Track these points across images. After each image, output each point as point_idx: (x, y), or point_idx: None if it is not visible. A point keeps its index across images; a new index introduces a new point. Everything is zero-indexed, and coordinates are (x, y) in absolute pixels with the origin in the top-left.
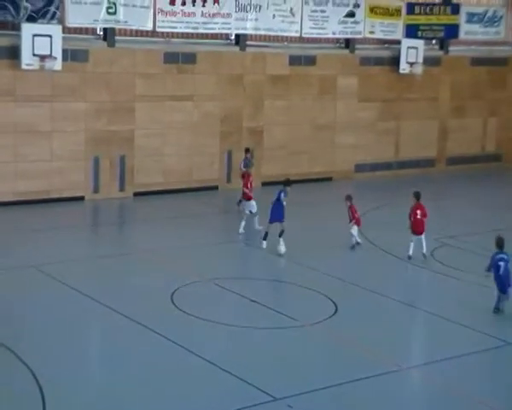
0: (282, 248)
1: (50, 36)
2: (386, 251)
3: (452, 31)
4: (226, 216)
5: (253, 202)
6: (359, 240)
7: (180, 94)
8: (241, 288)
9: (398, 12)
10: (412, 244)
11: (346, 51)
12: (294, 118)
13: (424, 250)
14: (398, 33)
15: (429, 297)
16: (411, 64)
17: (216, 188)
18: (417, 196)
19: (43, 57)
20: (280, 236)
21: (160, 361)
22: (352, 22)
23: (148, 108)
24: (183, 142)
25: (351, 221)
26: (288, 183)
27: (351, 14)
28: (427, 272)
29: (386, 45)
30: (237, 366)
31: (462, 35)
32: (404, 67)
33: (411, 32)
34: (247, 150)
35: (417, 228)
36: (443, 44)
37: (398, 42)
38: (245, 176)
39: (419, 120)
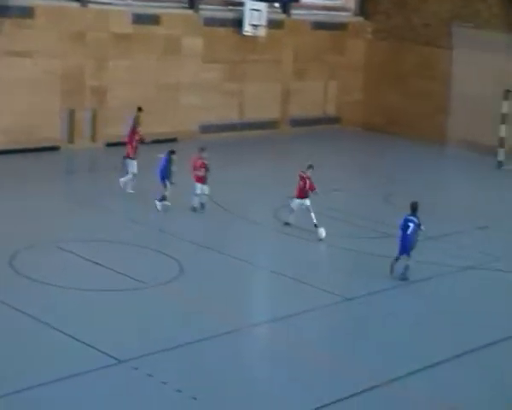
0: (159, 206)
1: None
2: (230, 211)
3: None
4: (68, 177)
5: (134, 162)
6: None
7: (17, 50)
8: (84, 250)
9: None
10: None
11: (191, 11)
12: (138, 77)
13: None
14: None
15: (274, 256)
16: (255, 26)
17: (57, 148)
18: (310, 166)
19: None
20: (160, 200)
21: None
22: None
23: None
24: (21, 100)
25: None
26: (173, 152)
27: None
28: (273, 232)
29: (229, 7)
30: (80, 329)
31: None
32: (247, 29)
33: None
34: (139, 109)
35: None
36: (285, 8)
37: (242, 4)
38: (131, 134)
39: (263, 82)
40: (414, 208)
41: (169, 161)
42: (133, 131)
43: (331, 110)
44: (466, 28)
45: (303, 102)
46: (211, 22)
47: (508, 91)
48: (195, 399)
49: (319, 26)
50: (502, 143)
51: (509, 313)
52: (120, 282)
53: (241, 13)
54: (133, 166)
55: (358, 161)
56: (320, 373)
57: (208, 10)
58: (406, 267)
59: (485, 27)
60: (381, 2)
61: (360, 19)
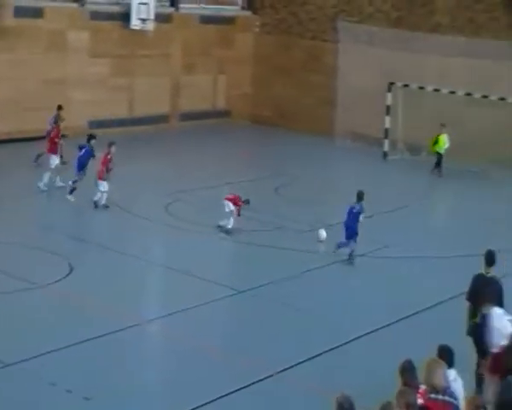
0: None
1: None
2: (122, 208)
3: None
4: None
5: (55, 157)
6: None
7: None
8: None
9: None
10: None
11: (75, 5)
12: (22, 73)
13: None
14: None
15: (166, 252)
16: (143, 20)
17: None
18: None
19: None
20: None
21: None
22: None
23: None
24: None
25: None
26: (92, 137)
27: None
28: (165, 227)
29: (117, 0)
30: None
31: None
32: (135, 23)
33: None
34: (59, 107)
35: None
36: (173, 2)
37: None
38: (52, 131)
39: (152, 77)
40: (360, 197)
41: (90, 152)
42: (55, 128)
43: (221, 104)
44: (350, 23)
45: (193, 97)
46: (97, 16)
47: (391, 84)
48: (88, 399)
49: (207, 20)
50: (387, 134)
51: (391, 302)
52: (9, 284)
53: (129, 7)
54: (54, 160)
55: (248, 154)
56: (213, 366)
57: (94, 4)
58: (351, 252)
59: (368, 22)
60: None
61: (248, 13)
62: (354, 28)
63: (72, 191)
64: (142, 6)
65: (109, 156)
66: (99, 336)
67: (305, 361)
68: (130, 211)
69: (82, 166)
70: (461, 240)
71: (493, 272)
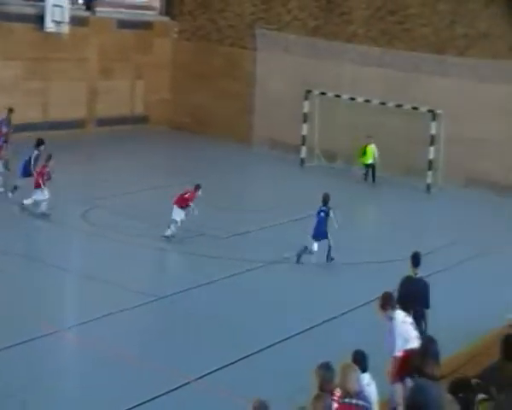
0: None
1: None
2: (37, 215)
3: None
4: None
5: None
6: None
7: None
8: None
9: None
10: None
11: None
12: None
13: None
14: None
15: (83, 259)
16: (57, 23)
17: None
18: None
19: None
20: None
21: None
22: None
23: None
24: None
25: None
26: (41, 142)
27: None
28: (82, 234)
29: (30, 2)
30: None
31: None
32: (49, 26)
33: None
34: (10, 110)
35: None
36: (89, 5)
37: None
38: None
39: (67, 81)
40: (325, 200)
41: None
42: (4, 132)
43: (139, 110)
44: (268, 30)
45: (110, 102)
46: (8, 18)
47: (308, 92)
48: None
49: (125, 24)
50: (304, 141)
51: (307, 308)
52: None
53: (43, 9)
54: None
55: (166, 161)
56: (130, 374)
57: (5, 5)
58: (329, 249)
59: (286, 30)
60: (186, 3)
61: (166, 18)
62: (272, 36)
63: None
64: (57, 8)
65: (47, 170)
66: (15, 345)
67: (221, 368)
68: (47, 218)
69: (27, 171)
70: (372, 246)
71: (420, 272)
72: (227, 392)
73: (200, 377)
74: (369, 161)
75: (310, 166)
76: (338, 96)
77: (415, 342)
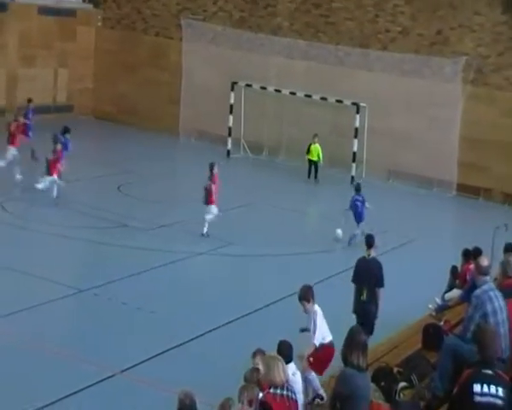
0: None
1: None
2: None
3: None
4: None
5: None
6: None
7: None
8: None
9: None
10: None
11: None
12: None
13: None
14: None
15: (4, 251)
16: None
17: None
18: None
19: None
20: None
21: None
22: None
23: None
24: None
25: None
26: (67, 130)
27: None
28: (2, 225)
29: None
30: None
31: None
32: None
33: None
34: (29, 100)
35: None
36: None
37: None
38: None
39: None
40: (357, 189)
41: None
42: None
43: (62, 98)
44: (195, 21)
45: (32, 90)
46: None
47: (234, 83)
48: None
49: (46, 11)
50: (230, 132)
51: (233, 299)
52: None
53: None
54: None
55: (90, 151)
56: (54, 367)
57: None
58: (355, 235)
59: (212, 21)
60: None
61: (89, 6)
62: (198, 26)
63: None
64: None
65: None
66: None
67: (147, 360)
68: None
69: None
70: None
71: (373, 253)
72: (152, 383)
73: (125, 369)
74: (313, 159)
75: (236, 157)
76: (264, 88)
77: (329, 336)
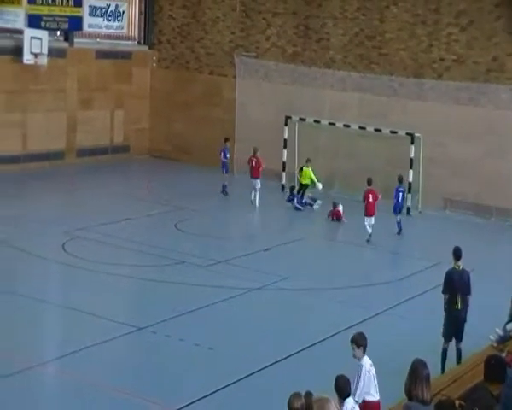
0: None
1: None
2: (16, 248)
3: (76, 23)
4: None
5: None
6: None
7: None
8: None
9: (18, 0)
10: (367, 226)
11: None
12: None
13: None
14: (20, 23)
15: (65, 291)
16: (36, 55)
17: None
18: (369, 181)
19: None
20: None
21: None
22: None
23: None
24: None
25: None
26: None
27: None
28: (63, 266)
29: (8, 34)
30: None
31: (86, 27)
32: (28, 58)
33: (34, 22)
34: (226, 139)
35: (369, 211)
36: (68, 36)
37: (21, 31)
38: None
39: (47, 112)
40: (400, 180)
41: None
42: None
43: (118, 139)
44: (248, 57)
45: (90, 132)
46: None
47: (288, 117)
48: None
49: (103, 54)
50: (284, 167)
51: (290, 333)
52: None
53: (21, 41)
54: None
55: (147, 190)
56: (112, 405)
57: None
58: (399, 222)
59: (265, 57)
60: (165, 33)
61: (144, 47)
62: (252, 63)
63: None
64: (35, 40)
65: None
66: None
67: (206, 396)
68: (26, 250)
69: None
70: (355, 270)
71: (462, 264)
72: None
73: (184, 407)
74: (304, 182)
75: None
76: (317, 121)
77: (375, 396)
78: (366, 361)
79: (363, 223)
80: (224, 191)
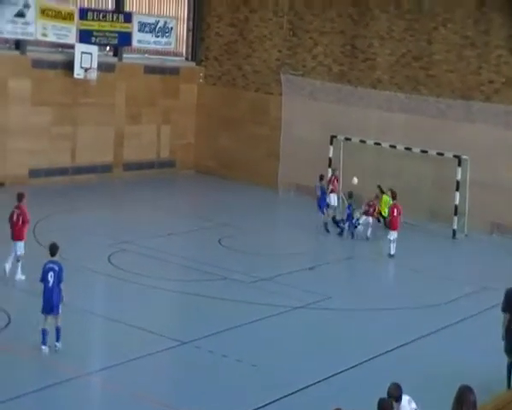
0: None
1: None
2: (64, 258)
3: (125, 38)
4: None
5: None
6: None
7: None
8: None
9: (70, 16)
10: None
11: (17, 53)
12: None
13: (392, 250)
14: (72, 37)
15: (111, 303)
16: (86, 69)
17: None
18: (394, 196)
19: None
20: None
21: None
22: (22, 23)
23: None
24: None
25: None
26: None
27: (21, 14)
28: (110, 279)
29: (60, 49)
30: None
31: (135, 43)
32: (78, 72)
33: (85, 37)
34: (321, 178)
35: (393, 225)
36: (117, 51)
37: (72, 46)
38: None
39: (95, 126)
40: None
41: None
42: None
43: (165, 154)
44: (294, 76)
45: (137, 146)
46: (39, 64)
47: (333, 137)
48: None
49: (152, 70)
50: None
51: (333, 354)
52: None
53: (72, 55)
54: None
55: (191, 205)
56: None
57: (36, 52)
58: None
59: (311, 75)
60: (213, 49)
61: (192, 64)
62: (298, 81)
63: None
64: (86, 55)
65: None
66: (38, 389)
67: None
68: (73, 261)
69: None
70: (402, 291)
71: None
72: None
73: None
74: (384, 214)
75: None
76: (363, 141)
77: None
78: (405, 405)
79: (387, 237)
80: (326, 229)
